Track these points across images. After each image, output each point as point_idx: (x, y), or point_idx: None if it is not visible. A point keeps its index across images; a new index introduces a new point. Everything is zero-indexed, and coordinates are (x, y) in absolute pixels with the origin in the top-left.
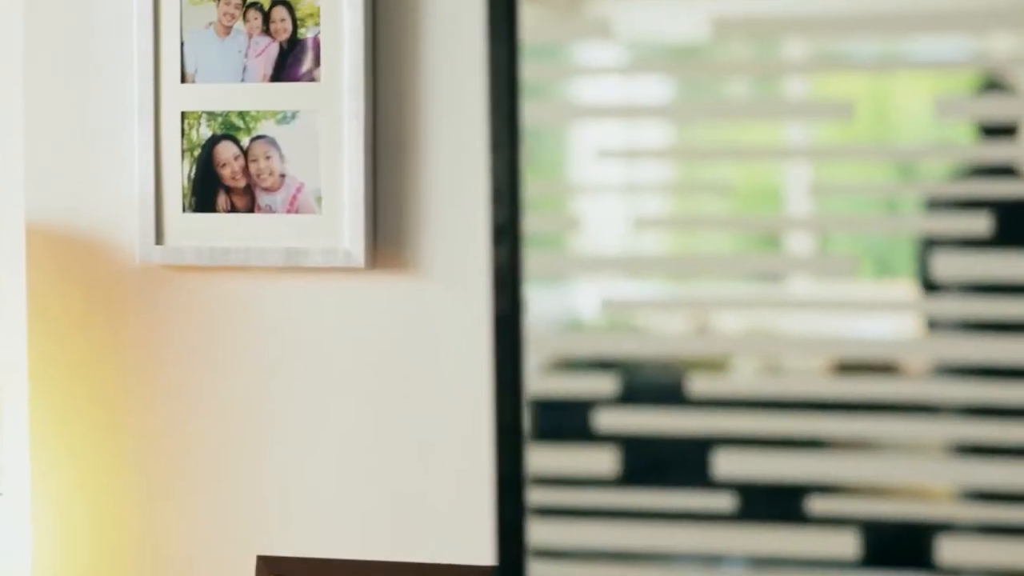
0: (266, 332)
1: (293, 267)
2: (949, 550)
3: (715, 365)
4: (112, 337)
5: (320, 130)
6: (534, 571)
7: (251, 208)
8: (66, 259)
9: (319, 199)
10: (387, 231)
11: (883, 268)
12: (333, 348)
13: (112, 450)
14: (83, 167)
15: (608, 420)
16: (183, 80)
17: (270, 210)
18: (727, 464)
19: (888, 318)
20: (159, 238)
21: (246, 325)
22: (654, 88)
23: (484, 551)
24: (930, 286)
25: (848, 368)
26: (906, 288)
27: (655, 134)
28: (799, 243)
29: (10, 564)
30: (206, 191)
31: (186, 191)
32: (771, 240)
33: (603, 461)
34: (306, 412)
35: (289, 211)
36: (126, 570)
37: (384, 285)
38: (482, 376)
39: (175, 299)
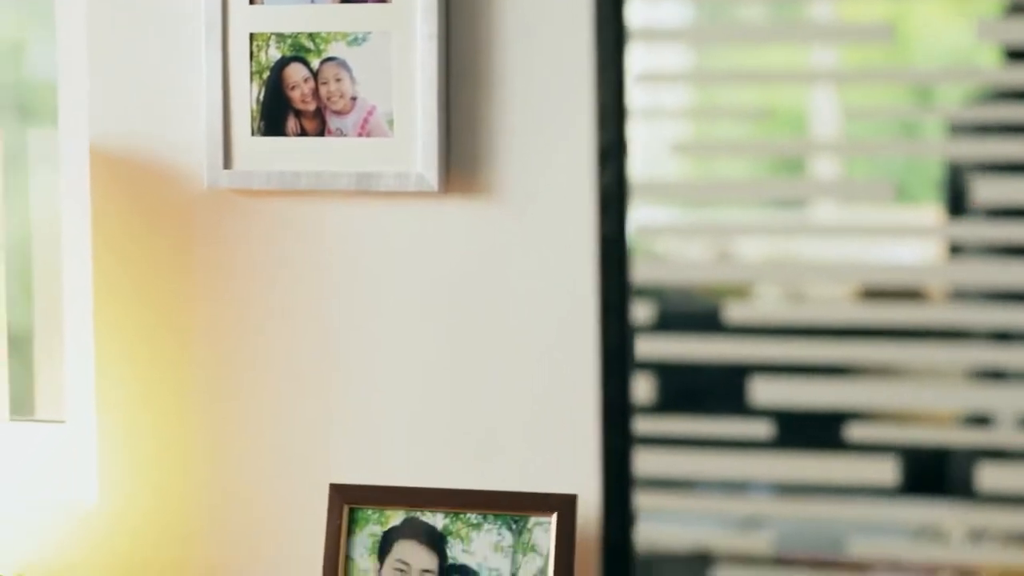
0: (336, 258)
1: (364, 192)
2: (989, 476)
3: (740, 292)
4: (179, 263)
5: (392, 52)
6: (639, 500)
7: (321, 131)
8: (131, 184)
9: (391, 122)
10: (460, 155)
11: (906, 194)
12: (405, 274)
13: (179, 378)
14: (148, 90)
15: (645, 348)
16: (252, 1)
17: (341, 133)
18: (764, 391)
19: (913, 243)
20: (227, 162)
21: (316, 251)
22: (676, 12)
23: (558, 478)
24: (956, 211)
25: (874, 294)
26: (930, 213)
27: (677, 59)
28: (824, 168)
29: (75, 495)
30: (275, 114)
31: (255, 114)
32: (795, 165)
33: (639, 389)
34: (377, 339)
35: (360, 134)
36: (194, 499)
37: (457, 210)
38: (555, 301)
39: (243, 224)
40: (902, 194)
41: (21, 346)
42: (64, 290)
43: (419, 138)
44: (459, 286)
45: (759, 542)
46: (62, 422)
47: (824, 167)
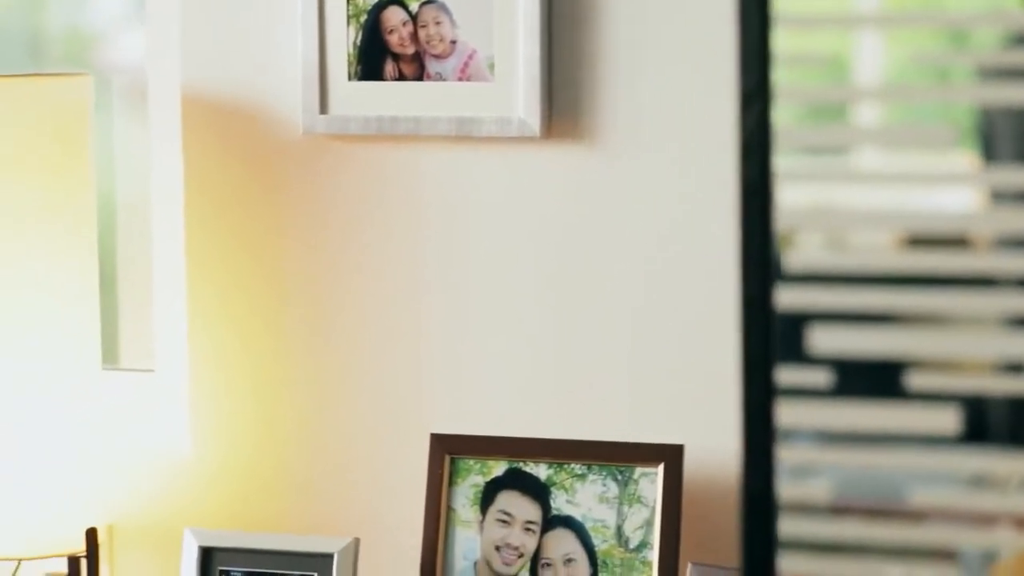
0: (434, 205)
1: (464, 137)
2: None
3: (783, 241)
4: (273, 210)
5: None
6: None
7: (420, 76)
8: (224, 130)
9: (492, 66)
10: (563, 99)
11: (941, 140)
12: (505, 221)
13: (273, 327)
14: (242, 34)
15: None
16: None
17: (440, 78)
18: (822, 339)
19: (953, 190)
20: (323, 107)
21: (414, 197)
22: None
23: (659, 430)
24: (990, 157)
25: (918, 242)
26: (966, 160)
27: None
28: (866, 115)
29: (166, 445)
30: (373, 58)
31: (352, 59)
32: (837, 111)
33: None
34: (477, 287)
35: (460, 79)
36: (290, 450)
37: (560, 156)
38: (659, 250)
39: (340, 170)
40: (955, 140)
41: (105, 294)
42: (153, 237)
43: (521, 82)
44: (560, 233)
45: (816, 490)
46: (151, 371)
47: (866, 113)
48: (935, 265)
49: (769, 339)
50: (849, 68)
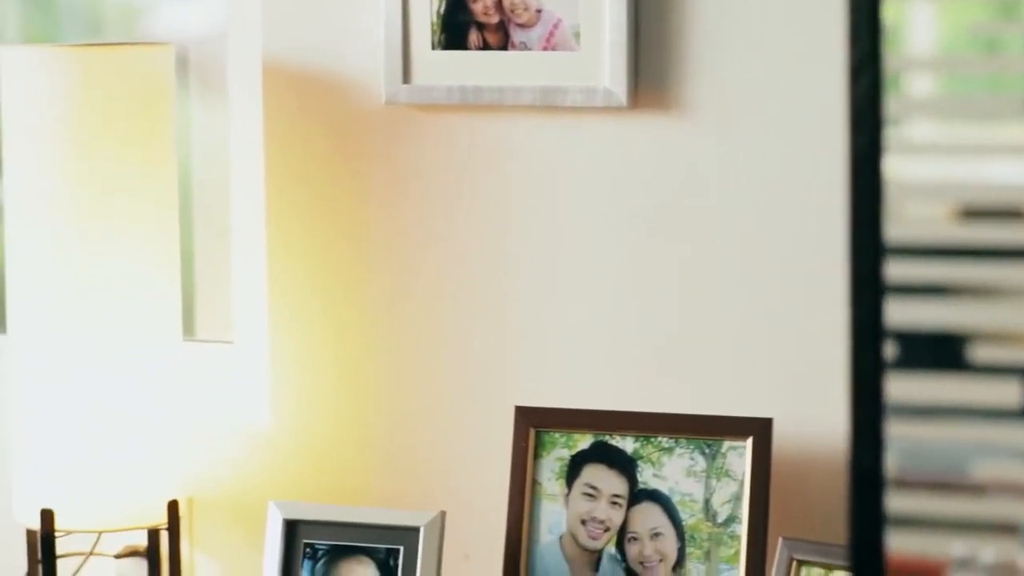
0: (519, 175)
1: (549, 107)
2: None
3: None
4: (355, 181)
5: None
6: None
7: (504, 45)
8: (305, 99)
9: (578, 35)
10: (650, 69)
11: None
12: (591, 192)
13: (355, 298)
14: (324, 2)
15: None
16: None
17: (525, 47)
18: (889, 312)
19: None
20: (406, 77)
21: (498, 168)
22: None
23: (748, 403)
24: None
25: (972, 214)
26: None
27: None
28: (920, 85)
29: (245, 418)
30: (456, 27)
31: (435, 27)
32: (891, 82)
33: None
34: (561, 258)
35: (545, 48)
36: (372, 423)
37: (646, 126)
38: (747, 221)
39: (422, 140)
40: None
41: (181, 266)
42: (232, 207)
43: (607, 51)
44: (647, 205)
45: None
46: (229, 343)
47: (920, 84)
48: (996, 237)
49: (878, 313)
50: (903, 39)
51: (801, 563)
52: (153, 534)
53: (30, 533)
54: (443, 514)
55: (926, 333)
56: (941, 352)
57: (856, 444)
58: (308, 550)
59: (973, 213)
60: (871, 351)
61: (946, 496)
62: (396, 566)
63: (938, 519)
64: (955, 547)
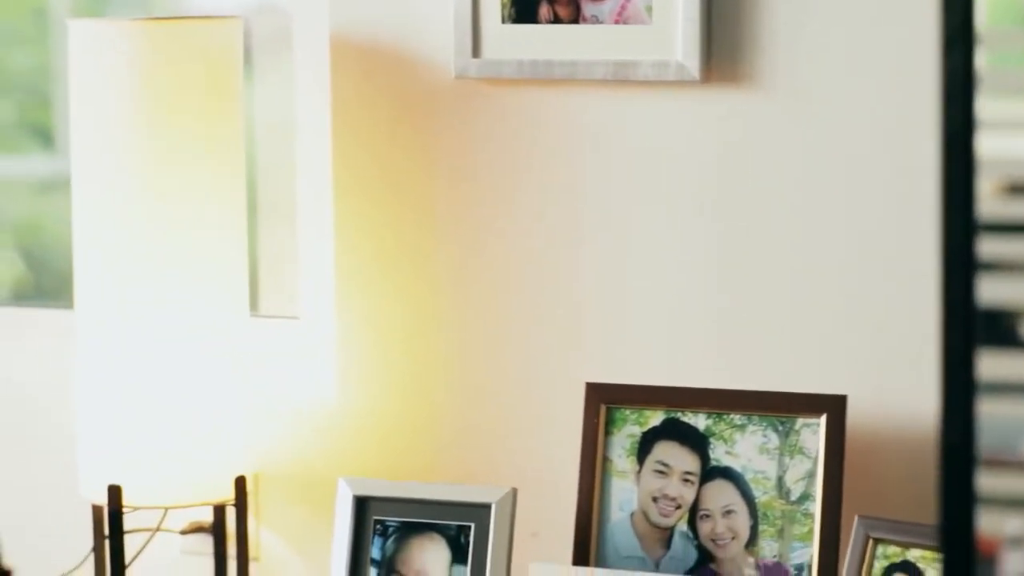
0: (590, 150)
1: (621, 81)
2: None
3: None
4: (423, 155)
5: None
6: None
7: (576, 19)
8: (373, 73)
9: (650, 9)
10: (723, 42)
11: None
12: (663, 167)
13: (423, 274)
14: None
15: None
16: None
17: (596, 20)
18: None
19: None
20: (476, 51)
21: (568, 143)
22: None
23: (821, 380)
24: None
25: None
26: None
27: None
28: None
29: (312, 393)
30: (527, 1)
31: (505, 1)
32: None
33: None
34: (632, 234)
35: (617, 21)
36: (440, 399)
37: (719, 100)
38: (821, 197)
39: (492, 115)
40: None
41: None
42: (298, 181)
43: (679, 25)
44: (720, 180)
45: None
46: (295, 318)
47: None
48: None
49: (971, 291)
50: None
51: (877, 541)
52: (219, 510)
53: (96, 509)
54: (515, 491)
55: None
56: (992, 329)
57: (947, 422)
58: (378, 527)
59: (1020, 189)
60: (962, 328)
61: (999, 473)
62: (467, 543)
63: (992, 496)
64: (1009, 524)
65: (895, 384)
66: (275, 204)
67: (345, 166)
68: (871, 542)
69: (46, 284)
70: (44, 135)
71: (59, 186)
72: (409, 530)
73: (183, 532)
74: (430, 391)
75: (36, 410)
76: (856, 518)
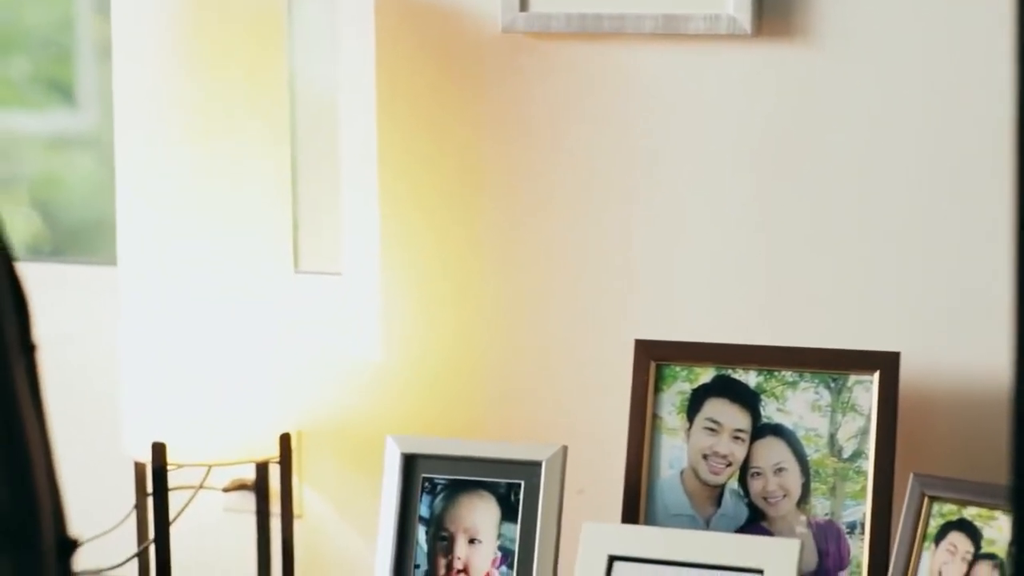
0: (639, 105)
1: (671, 35)
2: None
3: None
4: (468, 109)
5: None
6: None
7: None
8: (418, 26)
9: None
10: None
11: None
12: (714, 123)
13: (470, 229)
14: None
15: None
16: None
17: None
18: None
19: None
20: (523, 4)
21: (617, 97)
22: None
23: (874, 336)
24: None
25: None
26: None
27: None
28: None
29: (356, 350)
30: None
31: None
32: None
33: None
34: (682, 189)
35: None
36: (487, 356)
37: (771, 54)
38: (874, 154)
39: (539, 69)
40: None
41: None
42: (341, 136)
43: None
44: (771, 136)
45: None
46: (337, 274)
47: None
48: None
49: None
50: None
51: (933, 499)
52: (261, 468)
53: (138, 467)
54: (565, 448)
55: None
56: None
57: (1021, 380)
58: (427, 484)
59: None
60: None
61: None
62: (517, 501)
63: None
64: None
65: (949, 340)
66: (316, 159)
67: (389, 121)
68: (927, 500)
69: (62, 240)
70: (63, 90)
71: (78, 142)
72: (458, 488)
73: (225, 490)
74: (476, 347)
75: (73, 368)
76: (911, 476)
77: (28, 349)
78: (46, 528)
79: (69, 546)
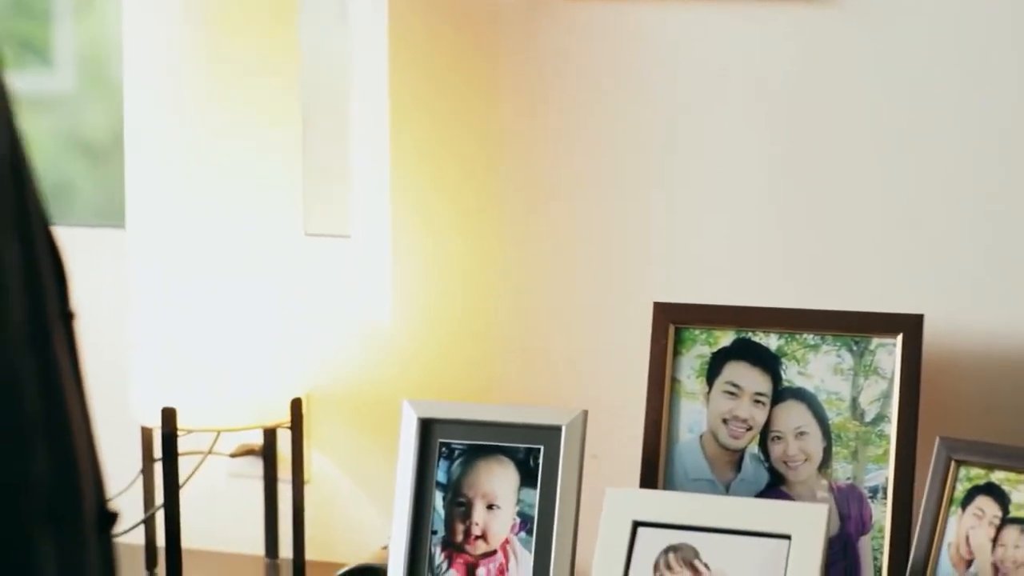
0: (666, 68)
1: None
2: None
3: None
4: (487, 71)
5: None
6: None
7: None
8: None
9: None
10: None
11: None
12: (745, 85)
13: (485, 191)
14: None
15: None
16: None
17: None
18: None
19: None
20: None
21: (638, 58)
22: None
23: (897, 299)
24: None
25: None
26: None
27: None
28: None
29: (365, 314)
30: None
31: None
32: None
33: None
34: (704, 151)
35: None
36: (502, 320)
37: (806, 16)
38: (906, 119)
39: (559, 29)
40: None
41: None
42: (353, 97)
43: None
44: (795, 95)
45: None
46: (346, 237)
47: None
48: None
49: None
50: None
51: (960, 463)
52: (269, 433)
53: (144, 431)
54: (585, 413)
55: None
56: None
57: None
58: (444, 450)
59: None
60: None
61: None
62: (536, 466)
63: None
64: None
65: (972, 302)
66: (324, 120)
67: (402, 83)
68: (953, 464)
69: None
70: (38, 51)
71: (52, 103)
72: (476, 453)
73: (232, 455)
74: (489, 311)
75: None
76: (937, 439)
77: (66, 317)
78: (88, 504)
79: (109, 519)
